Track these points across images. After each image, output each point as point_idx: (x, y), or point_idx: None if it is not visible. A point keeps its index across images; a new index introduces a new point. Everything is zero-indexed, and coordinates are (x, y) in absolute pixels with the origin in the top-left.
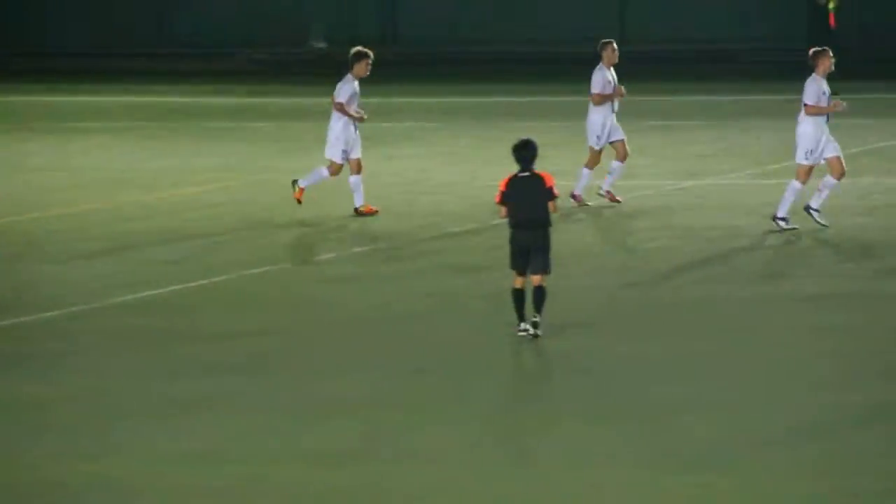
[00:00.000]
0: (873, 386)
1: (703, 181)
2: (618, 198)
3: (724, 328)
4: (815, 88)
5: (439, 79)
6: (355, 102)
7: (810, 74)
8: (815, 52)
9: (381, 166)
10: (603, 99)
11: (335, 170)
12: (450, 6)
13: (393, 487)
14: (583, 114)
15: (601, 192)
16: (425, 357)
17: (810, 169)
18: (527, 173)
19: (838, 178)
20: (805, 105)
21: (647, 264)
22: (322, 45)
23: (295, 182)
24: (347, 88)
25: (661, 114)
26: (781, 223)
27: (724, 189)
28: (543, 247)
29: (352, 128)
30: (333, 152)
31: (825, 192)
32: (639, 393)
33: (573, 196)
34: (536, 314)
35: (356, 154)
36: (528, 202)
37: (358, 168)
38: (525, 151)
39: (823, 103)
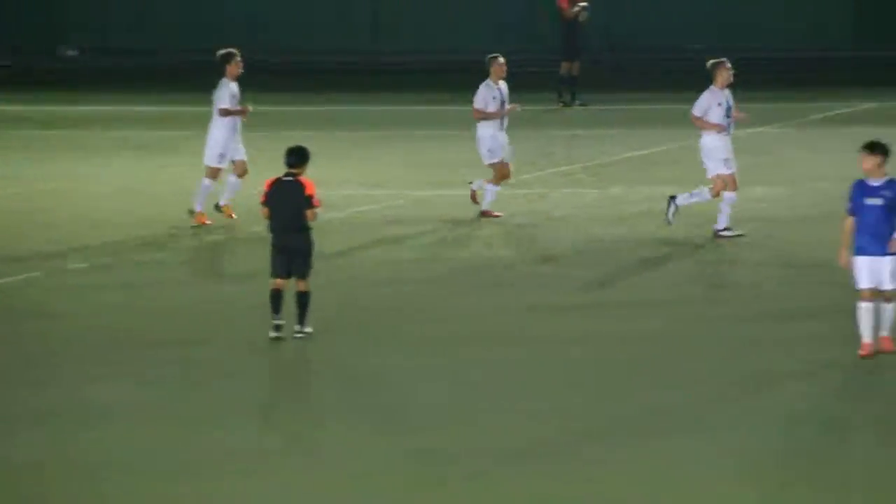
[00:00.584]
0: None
1: (453, 191)
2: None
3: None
4: (707, 99)
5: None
6: (235, 103)
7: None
8: (713, 64)
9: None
10: (486, 115)
11: (213, 174)
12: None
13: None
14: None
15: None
16: (188, 364)
17: (732, 177)
18: (290, 178)
19: (734, 191)
20: (693, 116)
21: (403, 272)
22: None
23: (192, 211)
24: (224, 92)
25: (407, 124)
26: (726, 233)
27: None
28: (303, 252)
29: (233, 132)
30: (210, 158)
31: (726, 210)
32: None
33: (482, 213)
34: (301, 321)
35: (239, 156)
36: (287, 207)
37: (242, 171)
38: (291, 156)
39: (714, 116)
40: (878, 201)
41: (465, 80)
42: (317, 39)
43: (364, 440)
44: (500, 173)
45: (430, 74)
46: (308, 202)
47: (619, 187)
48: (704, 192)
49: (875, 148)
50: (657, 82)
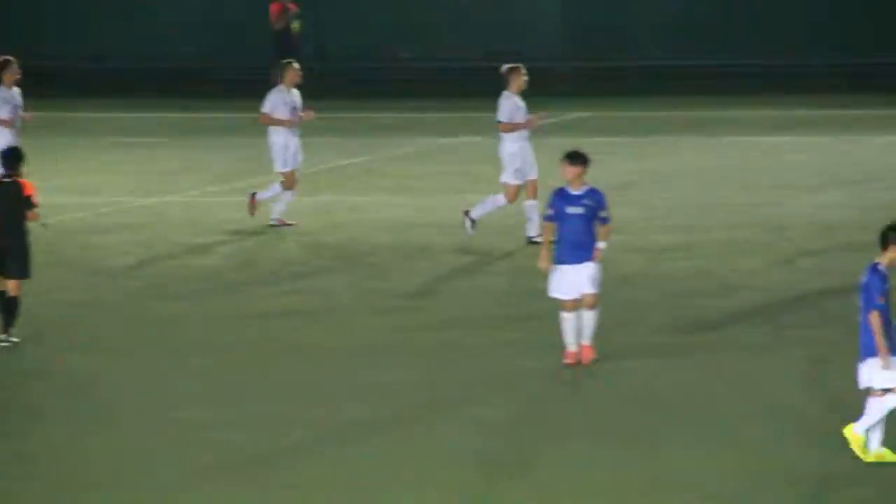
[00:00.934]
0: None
1: (164, 198)
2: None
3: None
4: (510, 105)
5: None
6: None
7: (502, 92)
8: (508, 69)
9: None
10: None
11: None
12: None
13: None
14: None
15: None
16: None
17: (518, 188)
18: (7, 179)
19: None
20: (499, 123)
21: (114, 280)
22: None
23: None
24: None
25: (122, 131)
26: (468, 224)
27: (184, 206)
28: (18, 254)
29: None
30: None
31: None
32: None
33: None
34: (7, 328)
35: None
36: (3, 208)
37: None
38: (5, 158)
39: (519, 119)
40: (578, 210)
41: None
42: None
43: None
44: (290, 180)
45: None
46: (28, 203)
47: (329, 195)
48: (499, 199)
49: (575, 158)
50: (367, 90)
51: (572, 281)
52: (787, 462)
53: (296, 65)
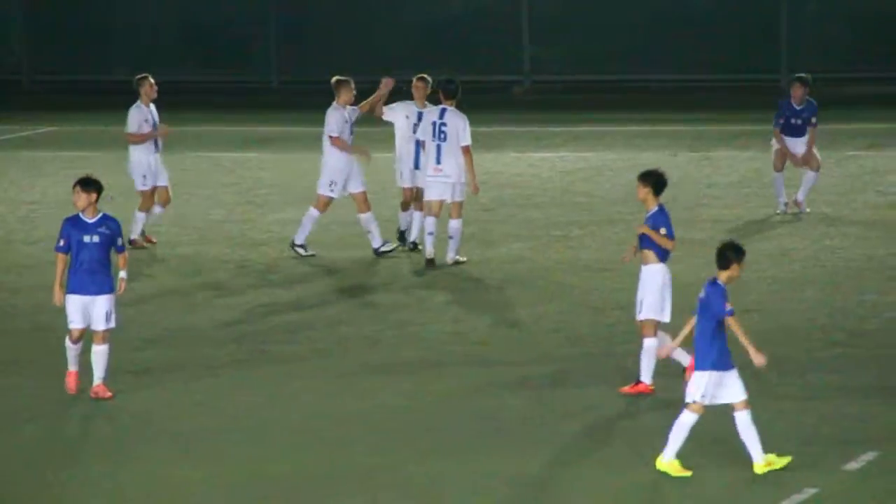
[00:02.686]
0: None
1: None
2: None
3: None
4: (338, 118)
5: None
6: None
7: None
8: (336, 82)
9: None
10: (142, 138)
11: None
12: None
13: None
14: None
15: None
16: None
17: (329, 201)
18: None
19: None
20: (330, 137)
21: None
22: None
23: None
24: None
25: None
26: (300, 250)
27: None
28: None
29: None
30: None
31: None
32: None
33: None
34: None
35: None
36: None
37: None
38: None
39: (346, 135)
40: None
41: None
42: None
43: None
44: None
45: None
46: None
47: None
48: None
49: (89, 184)
50: None
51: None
52: None
53: (151, 79)
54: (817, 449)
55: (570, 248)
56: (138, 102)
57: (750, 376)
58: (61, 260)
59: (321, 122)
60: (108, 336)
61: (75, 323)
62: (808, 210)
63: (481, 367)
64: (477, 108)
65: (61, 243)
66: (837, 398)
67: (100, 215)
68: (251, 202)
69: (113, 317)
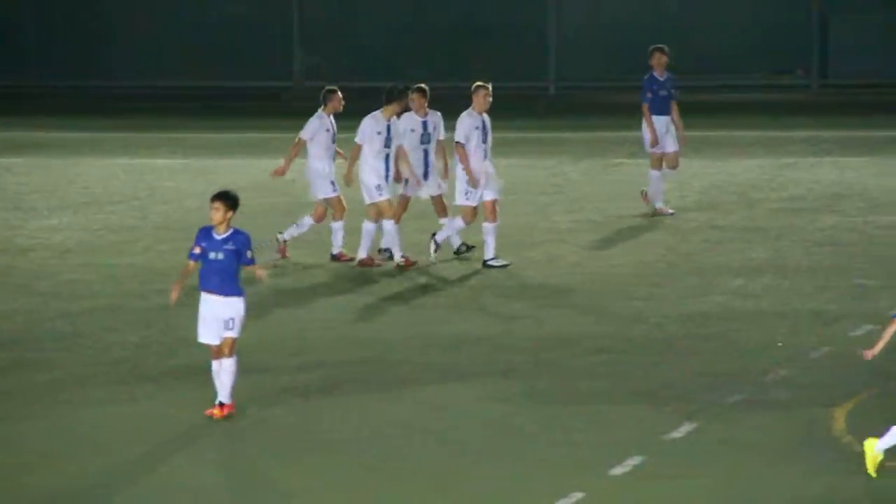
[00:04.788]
0: None
1: None
2: None
3: None
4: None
5: None
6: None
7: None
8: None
9: None
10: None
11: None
12: None
13: None
14: None
15: None
16: None
17: (475, 209)
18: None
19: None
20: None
21: None
22: None
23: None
24: None
25: None
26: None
27: None
28: None
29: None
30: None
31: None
32: None
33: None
34: None
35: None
36: None
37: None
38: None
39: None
40: None
41: None
42: None
43: None
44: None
45: None
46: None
47: None
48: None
49: None
50: None
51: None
52: None
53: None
54: (584, 453)
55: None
56: (320, 111)
57: (521, 382)
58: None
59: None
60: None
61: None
62: (671, 211)
63: (254, 375)
64: (244, 114)
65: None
66: (604, 403)
67: None
68: (18, 208)
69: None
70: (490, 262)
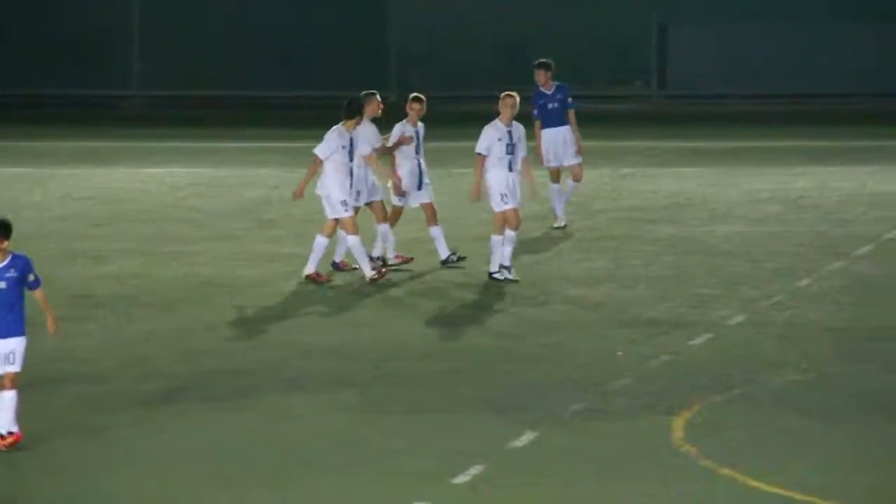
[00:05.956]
0: None
1: None
2: None
3: None
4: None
5: None
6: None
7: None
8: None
9: None
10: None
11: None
12: None
13: None
14: None
15: None
16: None
17: (516, 212)
18: None
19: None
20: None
21: None
22: None
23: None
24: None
25: None
26: (505, 272)
27: None
28: None
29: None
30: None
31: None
32: None
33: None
34: None
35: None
36: None
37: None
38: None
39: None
40: None
41: None
42: None
43: None
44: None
45: None
46: None
47: None
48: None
49: None
50: None
51: None
52: None
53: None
54: (427, 462)
55: (184, 264)
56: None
57: (365, 391)
58: None
59: None
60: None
61: None
62: (565, 224)
63: (93, 385)
64: (85, 123)
65: None
66: (447, 412)
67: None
68: None
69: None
70: (494, 275)
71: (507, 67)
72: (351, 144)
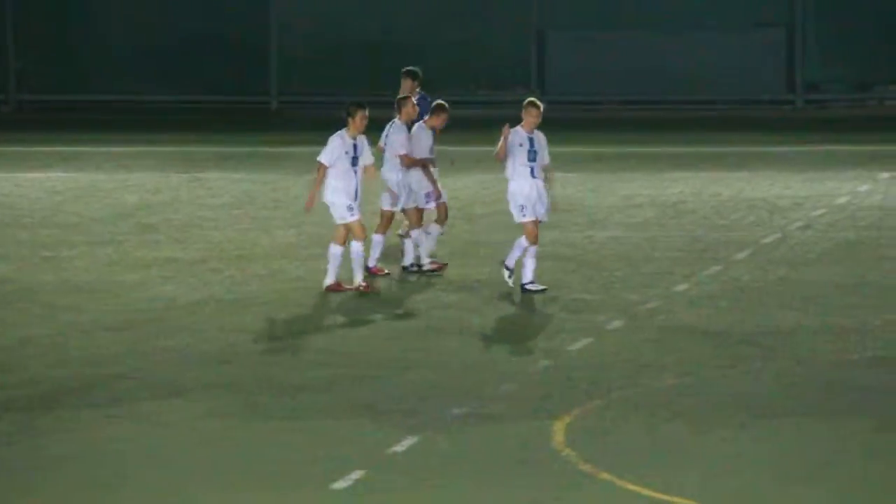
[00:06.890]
0: None
1: None
2: None
3: None
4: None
5: None
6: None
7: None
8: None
9: None
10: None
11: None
12: None
13: None
14: None
15: None
16: None
17: (535, 223)
18: None
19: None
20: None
21: None
22: None
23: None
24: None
25: None
26: (506, 273)
27: None
28: None
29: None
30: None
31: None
32: None
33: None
34: None
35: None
36: None
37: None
38: None
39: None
40: None
41: None
42: None
43: None
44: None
45: None
46: None
47: None
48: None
49: None
50: None
51: None
52: None
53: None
54: (305, 468)
55: (61, 269)
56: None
57: (242, 397)
58: None
59: None
60: None
61: None
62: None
63: None
64: None
65: None
66: (326, 418)
67: None
68: None
69: None
70: (528, 287)
71: (391, 72)
72: (355, 150)
